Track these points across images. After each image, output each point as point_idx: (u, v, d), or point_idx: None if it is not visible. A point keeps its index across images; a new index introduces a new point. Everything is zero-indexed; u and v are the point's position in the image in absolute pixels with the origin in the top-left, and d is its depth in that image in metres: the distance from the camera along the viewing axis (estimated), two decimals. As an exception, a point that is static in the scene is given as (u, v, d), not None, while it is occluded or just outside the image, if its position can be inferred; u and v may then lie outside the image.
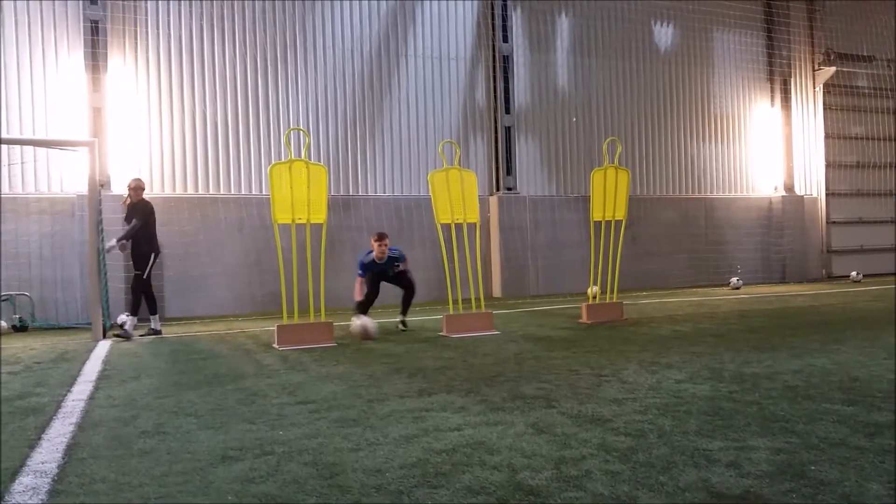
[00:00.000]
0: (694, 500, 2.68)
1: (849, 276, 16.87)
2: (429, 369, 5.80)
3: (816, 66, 17.82)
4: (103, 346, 8.10)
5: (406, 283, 9.02)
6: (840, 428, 3.60)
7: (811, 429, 3.59)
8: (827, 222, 17.90)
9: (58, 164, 11.02)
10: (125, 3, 11.79)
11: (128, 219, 9.07)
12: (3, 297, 10.33)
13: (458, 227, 8.77)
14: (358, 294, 8.65)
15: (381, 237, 8.73)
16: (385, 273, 8.88)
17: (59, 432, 4.00)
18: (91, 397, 5.02)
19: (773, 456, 3.16)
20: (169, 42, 12.16)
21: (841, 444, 3.32)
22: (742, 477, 2.90)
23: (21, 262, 10.54)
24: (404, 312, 9.03)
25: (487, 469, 3.08)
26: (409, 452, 3.37)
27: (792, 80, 17.46)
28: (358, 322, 7.87)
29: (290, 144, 8.38)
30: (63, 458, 3.46)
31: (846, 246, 18.03)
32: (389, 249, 8.78)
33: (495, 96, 14.47)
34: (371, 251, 8.74)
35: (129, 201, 9.13)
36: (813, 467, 2.99)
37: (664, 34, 16.33)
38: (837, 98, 18.05)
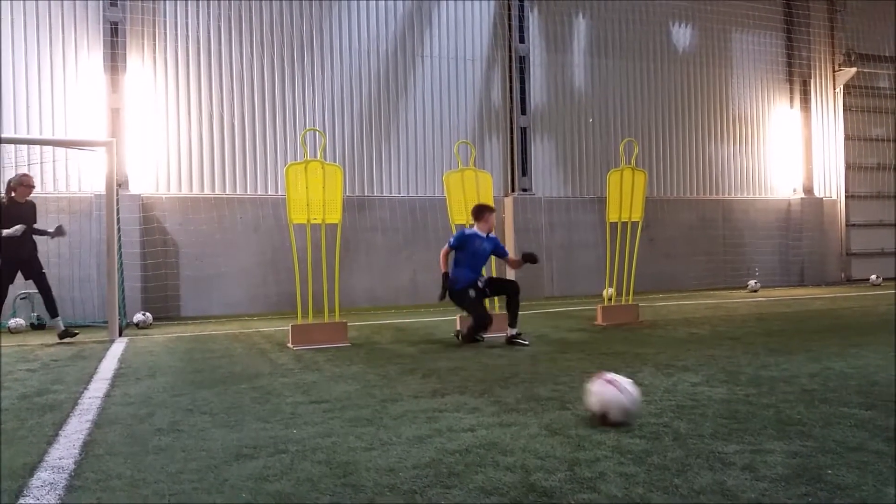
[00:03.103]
0: (709, 502, 2.66)
1: (868, 280, 16.67)
2: (442, 370, 5.80)
3: (837, 67, 17.63)
4: (119, 345, 8.17)
5: (511, 287, 7.66)
6: (858, 432, 3.55)
7: (828, 433, 3.55)
8: (846, 225, 17.70)
9: (76, 163, 11.13)
10: (144, 4, 11.90)
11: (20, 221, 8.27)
12: (21, 296, 10.45)
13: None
14: (443, 265, 7.55)
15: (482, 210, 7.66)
16: (484, 258, 7.62)
17: (76, 429, 4.03)
18: (107, 395, 5.06)
19: (789, 459, 3.13)
20: (187, 43, 12.26)
21: (859, 448, 3.28)
22: (757, 480, 2.87)
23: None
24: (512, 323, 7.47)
25: (501, 470, 3.07)
26: (422, 452, 3.36)
27: (812, 80, 17.28)
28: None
29: (306, 145, 8.41)
30: (80, 455, 3.49)
31: (866, 249, 17.82)
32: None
33: (511, 97, 14.44)
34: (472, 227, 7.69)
35: (8, 200, 8.33)
36: (829, 471, 2.96)
37: (682, 35, 16.22)
38: (858, 99, 17.85)
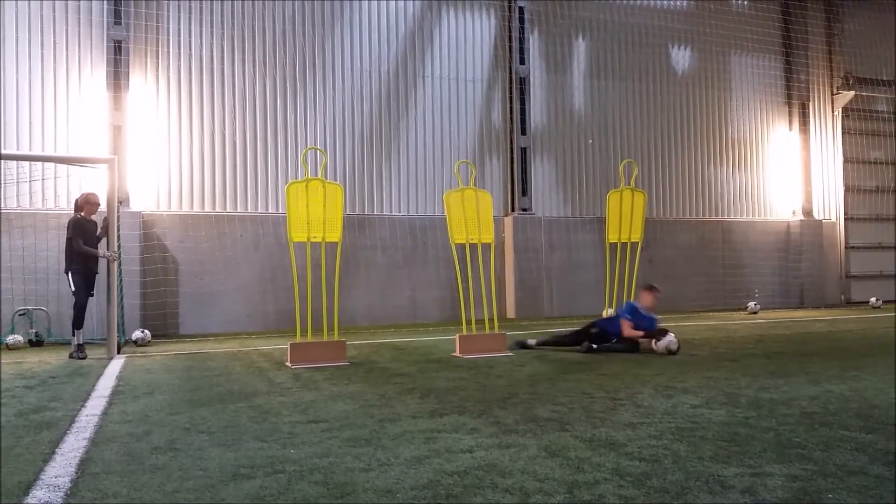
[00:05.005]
0: (708, 527, 2.64)
1: (868, 302, 16.66)
2: (441, 390, 5.78)
3: (835, 90, 17.76)
4: (118, 362, 8.15)
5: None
6: (858, 455, 3.54)
7: (828, 456, 3.54)
8: (845, 247, 17.72)
9: (78, 180, 11.16)
10: (148, 23, 12.00)
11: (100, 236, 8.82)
12: (20, 312, 10.44)
13: (473, 247, 8.77)
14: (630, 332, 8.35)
15: (652, 288, 8.69)
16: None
17: (73, 447, 4.01)
18: (104, 413, 5.04)
19: (789, 483, 3.11)
20: (190, 62, 12.35)
21: (859, 472, 3.26)
22: (758, 504, 2.86)
23: (39, 277, 10.65)
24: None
25: (499, 492, 3.05)
26: (420, 473, 3.34)
27: (810, 104, 17.39)
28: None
29: (307, 163, 8.44)
30: (76, 473, 3.46)
31: (865, 271, 17.83)
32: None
33: (511, 117, 14.52)
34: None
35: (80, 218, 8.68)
36: (830, 495, 2.94)
37: (681, 57, 16.35)
38: (856, 122, 17.96)
